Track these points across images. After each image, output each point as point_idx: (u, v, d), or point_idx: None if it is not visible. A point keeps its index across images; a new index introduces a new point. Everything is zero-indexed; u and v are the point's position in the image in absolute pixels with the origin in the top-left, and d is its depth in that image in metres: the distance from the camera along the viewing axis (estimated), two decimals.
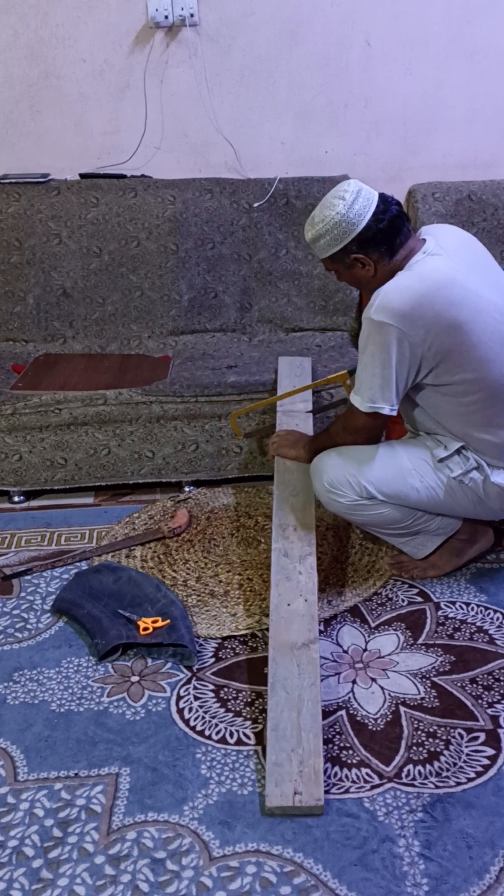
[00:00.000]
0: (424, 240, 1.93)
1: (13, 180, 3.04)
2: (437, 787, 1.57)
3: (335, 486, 1.99)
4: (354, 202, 1.86)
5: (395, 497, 2.00)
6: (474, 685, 1.81)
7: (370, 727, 1.72)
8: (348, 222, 1.86)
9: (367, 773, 1.60)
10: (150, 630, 1.96)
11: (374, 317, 1.84)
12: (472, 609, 2.06)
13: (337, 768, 1.62)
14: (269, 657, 1.74)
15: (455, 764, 1.62)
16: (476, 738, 1.67)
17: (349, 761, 1.63)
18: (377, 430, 2.00)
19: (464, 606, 2.07)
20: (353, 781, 1.59)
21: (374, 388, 1.89)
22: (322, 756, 1.56)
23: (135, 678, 1.88)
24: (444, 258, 1.88)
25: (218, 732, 1.72)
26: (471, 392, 1.90)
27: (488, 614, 2.04)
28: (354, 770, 1.61)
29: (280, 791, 1.51)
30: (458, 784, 1.57)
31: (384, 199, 1.89)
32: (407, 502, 2.01)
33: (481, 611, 2.05)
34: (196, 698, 1.81)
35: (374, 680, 1.85)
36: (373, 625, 2.03)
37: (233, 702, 1.80)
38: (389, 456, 2.01)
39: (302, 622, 1.81)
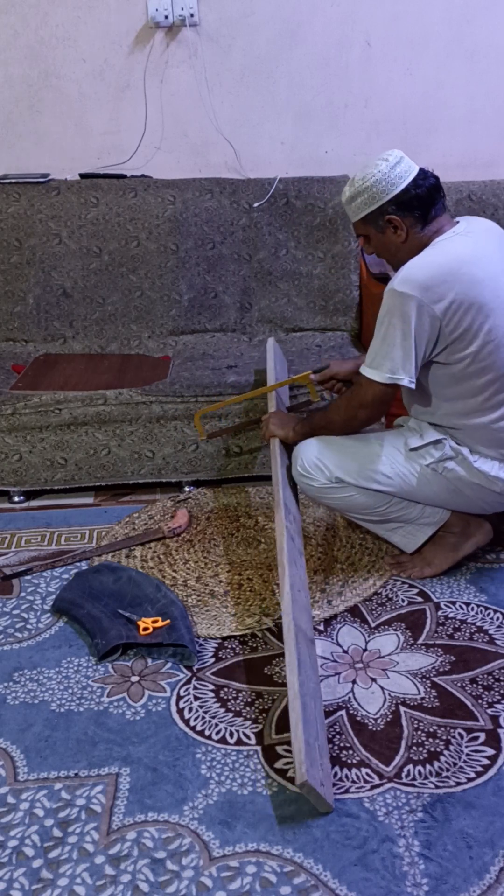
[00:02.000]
0: (458, 221, 1.98)
1: (13, 180, 3.04)
2: (437, 787, 1.57)
3: (307, 470, 2.05)
4: (397, 164, 1.92)
5: (364, 482, 2.04)
6: (474, 685, 1.81)
7: (370, 727, 1.72)
8: (388, 182, 1.91)
9: (367, 773, 1.60)
10: (150, 630, 1.96)
11: (397, 288, 1.86)
12: (472, 609, 2.06)
13: (337, 768, 1.62)
14: (287, 640, 1.66)
15: (455, 764, 1.62)
16: (476, 738, 1.67)
17: (349, 761, 1.63)
18: (386, 405, 2.00)
19: (464, 606, 2.07)
20: (353, 781, 1.59)
21: (395, 360, 1.89)
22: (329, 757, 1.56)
23: (135, 678, 1.88)
24: (471, 239, 1.92)
25: (218, 732, 1.72)
26: (481, 373, 1.92)
27: (488, 614, 2.04)
28: (354, 770, 1.61)
29: (313, 773, 1.46)
30: (458, 784, 1.57)
31: (423, 171, 1.95)
32: (378, 488, 2.04)
33: (481, 611, 2.05)
34: (196, 698, 1.81)
35: (374, 680, 1.85)
36: (373, 625, 2.03)
37: (233, 702, 1.80)
38: (362, 443, 2.06)
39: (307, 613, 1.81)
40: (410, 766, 1.61)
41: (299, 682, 1.56)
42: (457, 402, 1.98)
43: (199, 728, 1.73)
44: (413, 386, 1.92)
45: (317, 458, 2.05)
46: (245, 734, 1.71)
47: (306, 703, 1.55)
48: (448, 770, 1.60)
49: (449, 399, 1.99)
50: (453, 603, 2.09)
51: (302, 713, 1.51)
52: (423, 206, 1.92)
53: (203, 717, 1.76)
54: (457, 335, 1.88)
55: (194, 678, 1.87)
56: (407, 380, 1.90)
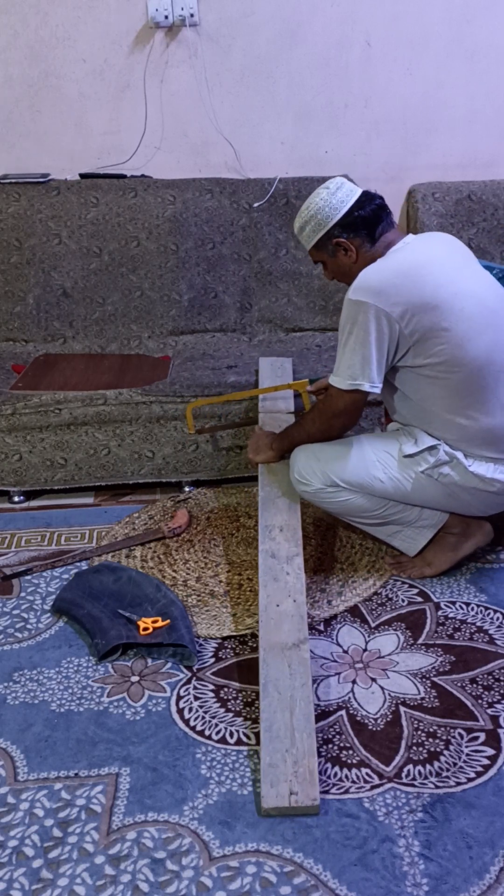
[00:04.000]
0: (408, 234, 2.03)
1: (13, 180, 3.04)
2: (437, 787, 1.57)
3: (303, 475, 2.07)
4: (338, 190, 1.99)
5: (359, 486, 2.04)
6: (474, 685, 1.81)
7: (370, 727, 1.72)
8: (331, 207, 1.97)
9: (367, 773, 1.60)
10: (150, 630, 1.96)
11: (352, 296, 1.90)
12: (472, 609, 2.06)
13: (337, 768, 1.62)
14: (260, 658, 1.74)
15: (455, 764, 1.62)
16: (476, 738, 1.67)
17: (349, 761, 1.63)
18: (357, 412, 2.03)
19: (464, 606, 2.07)
20: (353, 781, 1.59)
21: (353, 366, 1.92)
22: (316, 756, 1.56)
23: (135, 678, 1.88)
24: (423, 245, 1.99)
25: (218, 732, 1.72)
26: (450, 373, 1.93)
27: (488, 614, 2.04)
28: (354, 770, 1.61)
29: (276, 792, 1.51)
30: (458, 784, 1.57)
31: (367, 193, 2.01)
32: (373, 492, 2.05)
33: (481, 611, 2.05)
34: (196, 698, 1.81)
35: (374, 680, 1.85)
36: (373, 625, 2.03)
37: (233, 702, 1.80)
38: (355, 448, 2.07)
39: (291, 622, 1.80)
40: (410, 766, 1.61)
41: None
42: (436, 403, 1.98)
43: (199, 728, 1.73)
44: (377, 391, 1.96)
45: (311, 463, 2.06)
46: (245, 734, 1.71)
47: (274, 720, 1.60)
48: (448, 770, 1.60)
49: (428, 402, 1.99)
50: (453, 603, 2.09)
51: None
52: (368, 225, 1.97)
53: (203, 717, 1.75)
54: (417, 337, 1.90)
55: (194, 678, 1.87)
56: (368, 385, 1.93)
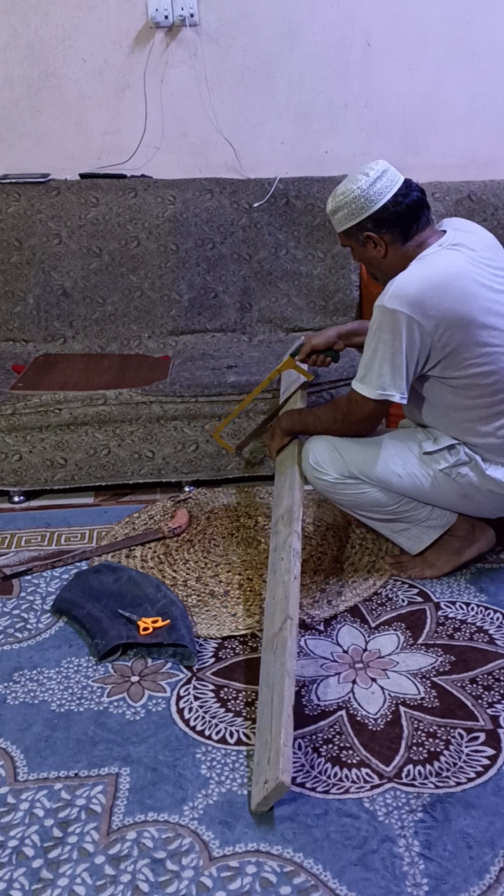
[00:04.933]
0: (443, 231, 1.96)
1: (13, 180, 3.04)
2: (437, 787, 1.57)
3: (320, 464, 2.05)
4: (378, 180, 1.90)
5: (377, 480, 2.03)
6: (474, 685, 1.81)
7: (370, 727, 1.72)
8: (367, 199, 1.89)
9: (367, 773, 1.60)
10: (150, 630, 1.96)
11: (386, 304, 1.85)
12: (472, 609, 2.06)
13: (337, 768, 1.62)
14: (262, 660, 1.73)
15: (455, 764, 1.62)
16: (476, 738, 1.67)
17: (349, 761, 1.63)
18: (379, 419, 2.02)
19: (464, 606, 2.07)
20: (353, 781, 1.59)
21: (384, 376, 1.89)
22: (290, 733, 1.52)
23: (135, 678, 1.88)
24: (459, 252, 1.90)
25: (218, 732, 1.72)
26: (476, 386, 1.92)
27: (488, 614, 2.04)
28: (354, 770, 1.61)
29: (258, 789, 1.51)
30: (458, 784, 1.57)
31: (408, 184, 1.92)
32: (389, 486, 2.04)
33: (481, 611, 2.05)
34: (196, 698, 1.81)
35: (374, 680, 1.85)
36: (373, 625, 2.03)
37: (233, 702, 1.80)
38: (375, 442, 2.05)
39: (281, 606, 1.79)
40: (410, 766, 1.61)
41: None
42: (459, 411, 1.97)
43: (199, 728, 1.73)
44: (404, 401, 1.93)
45: (329, 453, 2.04)
46: (245, 734, 1.71)
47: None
48: (448, 770, 1.60)
49: (451, 409, 1.99)
50: (453, 603, 2.09)
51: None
52: (403, 222, 1.91)
53: (203, 717, 1.75)
54: (449, 350, 1.88)
55: (194, 678, 1.87)
56: (398, 396, 1.91)
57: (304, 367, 2.37)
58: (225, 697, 1.81)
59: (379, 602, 2.11)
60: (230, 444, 2.56)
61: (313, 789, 1.57)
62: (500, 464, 2.00)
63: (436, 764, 1.62)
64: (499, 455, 1.99)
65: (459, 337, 1.86)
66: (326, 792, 1.56)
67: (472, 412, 1.96)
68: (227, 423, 2.54)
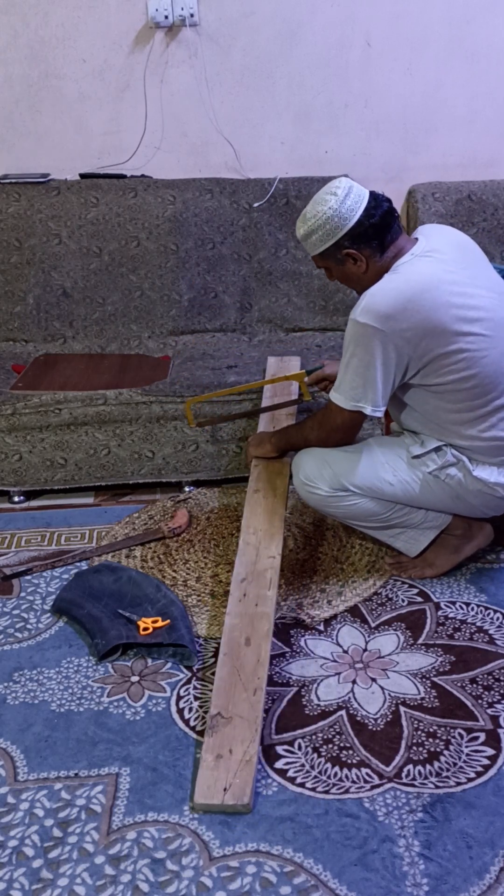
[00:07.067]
0: (416, 239, 1.96)
1: (13, 180, 3.04)
2: (437, 787, 1.57)
3: (311, 479, 2.04)
4: (346, 197, 1.88)
5: (368, 490, 2.03)
6: (474, 685, 1.81)
7: (370, 727, 1.72)
8: (340, 217, 1.88)
9: (367, 773, 1.60)
10: (150, 630, 1.96)
11: (358, 318, 1.86)
12: (472, 609, 2.06)
13: (337, 768, 1.62)
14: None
15: (455, 764, 1.62)
16: (476, 738, 1.67)
17: (349, 761, 1.63)
18: (355, 430, 2.03)
19: (464, 606, 2.07)
20: (353, 781, 1.59)
21: (357, 388, 1.90)
22: (257, 730, 1.55)
23: (135, 678, 1.88)
24: (432, 260, 1.89)
25: None
26: (458, 390, 1.92)
27: (488, 614, 2.04)
28: (354, 770, 1.61)
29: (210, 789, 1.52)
30: (458, 784, 1.57)
31: (375, 196, 1.92)
32: (382, 495, 2.03)
33: (481, 611, 2.06)
34: (196, 698, 1.81)
35: (374, 680, 1.85)
36: (373, 625, 2.03)
37: None
38: (364, 451, 2.05)
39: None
40: (410, 766, 1.61)
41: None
42: (441, 415, 1.97)
43: (199, 728, 1.73)
44: (378, 414, 1.93)
45: (319, 468, 2.04)
46: None
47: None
48: (448, 770, 1.60)
49: (434, 414, 1.99)
50: (453, 603, 2.09)
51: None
52: (378, 234, 1.90)
53: (203, 717, 1.75)
54: (427, 360, 1.88)
55: (194, 678, 1.87)
56: (370, 409, 1.91)
57: (311, 389, 2.43)
58: None
59: (379, 602, 2.11)
60: (194, 419, 2.55)
61: (313, 789, 1.57)
62: (487, 464, 2.00)
63: (436, 764, 1.62)
64: (485, 456, 1.99)
65: (435, 346, 1.86)
66: (326, 792, 1.56)
67: (455, 416, 1.96)
68: (207, 399, 2.54)
